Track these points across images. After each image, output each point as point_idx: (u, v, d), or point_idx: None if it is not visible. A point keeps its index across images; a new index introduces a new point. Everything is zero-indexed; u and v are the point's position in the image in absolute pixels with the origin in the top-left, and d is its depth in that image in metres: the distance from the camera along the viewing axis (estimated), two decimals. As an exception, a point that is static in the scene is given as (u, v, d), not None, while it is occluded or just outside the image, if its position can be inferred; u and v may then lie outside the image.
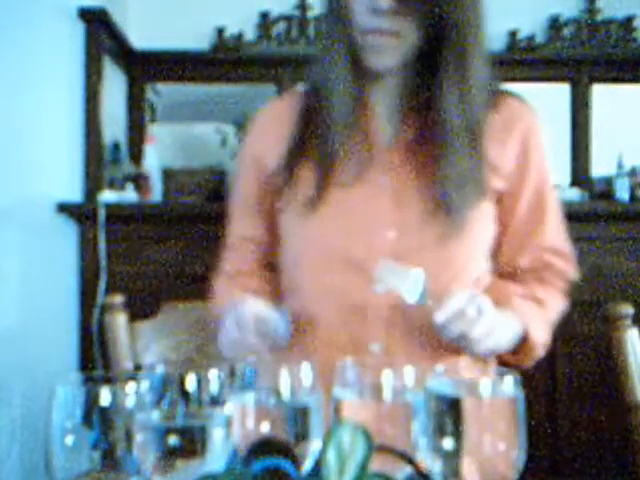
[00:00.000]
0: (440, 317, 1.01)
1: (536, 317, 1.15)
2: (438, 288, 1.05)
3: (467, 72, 1.10)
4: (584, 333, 2.38)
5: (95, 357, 2.23)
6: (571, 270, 1.24)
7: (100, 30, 2.37)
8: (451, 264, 1.12)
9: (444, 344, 1.06)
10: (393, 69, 1.13)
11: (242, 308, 1.06)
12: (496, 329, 1.05)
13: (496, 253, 1.21)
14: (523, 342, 1.13)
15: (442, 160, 1.10)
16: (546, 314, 1.18)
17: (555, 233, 1.22)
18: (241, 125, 2.52)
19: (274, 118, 1.26)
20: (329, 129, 1.13)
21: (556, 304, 1.22)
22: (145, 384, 0.68)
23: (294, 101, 1.23)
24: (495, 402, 0.63)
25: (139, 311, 1.45)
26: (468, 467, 0.62)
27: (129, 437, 0.64)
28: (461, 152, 1.10)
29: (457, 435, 0.62)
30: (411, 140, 1.15)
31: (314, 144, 1.15)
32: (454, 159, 1.10)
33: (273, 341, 1.06)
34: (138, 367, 1.35)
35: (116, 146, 2.53)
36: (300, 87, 1.26)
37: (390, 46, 1.09)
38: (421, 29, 1.08)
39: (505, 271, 1.22)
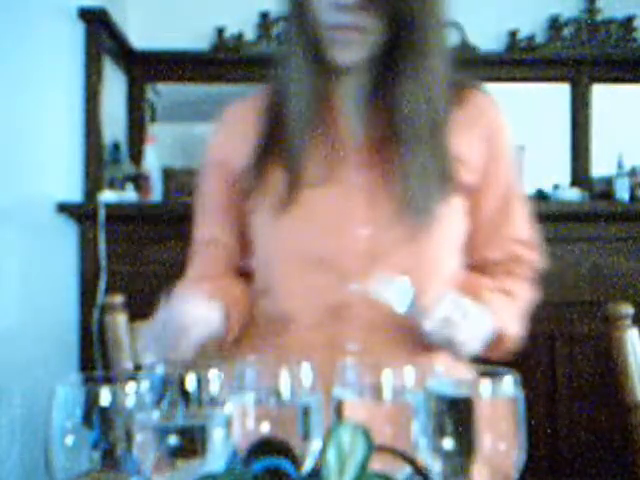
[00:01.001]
0: (427, 325, 1.03)
1: (506, 309, 1.16)
2: (414, 284, 1.05)
3: (424, 67, 1.10)
4: (584, 333, 2.38)
5: (95, 357, 2.23)
6: (538, 259, 1.25)
7: (100, 30, 2.37)
8: (424, 260, 1.12)
9: (425, 344, 1.07)
10: (358, 64, 1.12)
11: (179, 310, 1.05)
12: (479, 330, 1.07)
13: (467, 247, 1.21)
14: (495, 336, 1.13)
15: (407, 157, 1.10)
16: (516, 305, 1.19)
17: (522, 225, 1.23)
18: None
19: (239, 119, 1.24)
20: (292, 128, 1.13)
21: (525, 294, 1.22)
22: (145, 384, 0.68)
23: (259, 101, 1.22)
24: (495, 402, 0.63)
25: (139, 311, 1.45)
26: (476, 468, 0.62)
27: (129, 437, 0.64)
28: (422, 147, 1.10)
29: (457, 435, 0.62)
30: (379, 137, 1.14)
31: (281, 145, 1.14)
32: (415, 155, 1.09)
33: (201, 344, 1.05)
34: (138, 367, 1.35)
35: (116, 146, 2.53)
36: (264, 87, 1.24)
37: (354, 41, 1.09)
38: (385, 24, 1.08)
39: (475, 264, 1.22)
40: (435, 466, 0.63)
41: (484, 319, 1.10)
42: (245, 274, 1.24)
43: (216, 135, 1.28)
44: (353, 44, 1.09)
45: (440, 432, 0.62)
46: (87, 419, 0.65)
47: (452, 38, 1.18)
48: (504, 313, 1.15)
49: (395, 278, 1.04)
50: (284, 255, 1.14)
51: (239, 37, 2.75)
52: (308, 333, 1.12)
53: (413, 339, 1.08)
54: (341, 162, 1.14)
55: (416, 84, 1.10)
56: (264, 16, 2.77)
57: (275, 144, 1.16)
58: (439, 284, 1.12)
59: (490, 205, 1.19)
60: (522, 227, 1.23)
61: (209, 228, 1.25)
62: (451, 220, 1.15)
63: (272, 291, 1.16)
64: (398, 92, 1.10)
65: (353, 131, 1.16)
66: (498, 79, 2.74)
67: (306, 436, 0.66)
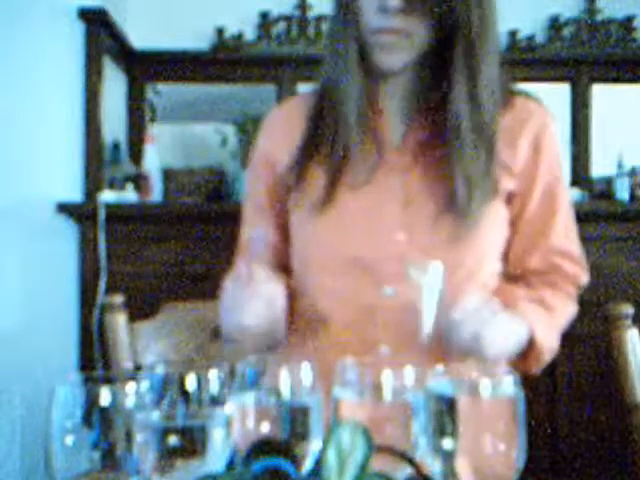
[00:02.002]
0: (457, 314, 1.01)
1: (543, 321, 1.13)
2: (449, 290, 1.05)
3: (477, 71, 1.09)
4: (584, 333, 2.37)
5: (95, 357, 2.23)
6: (581, 274, 1.22)
7: (100, 30, 2.37)
8: (461, 266, 1.10)
9: (452, 350, 1.05)
10: (402, 69, 1.12)
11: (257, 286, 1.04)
12: (506, 333, 1.05)
13: (506, 255, 1.19)
14: (529, 347, 1.11)
15: (452, 160, 1.09)
16: (554, 319, 1.16)
17: (564, 235, 1.20)
18: (241, 125, 2.52)
19: (285, 119, 1.25)
20: (339, 130, 1.13)
21: (565, 309, 1.20)
22: (145, 384, 0.68)
23: (305, 102, 1.22)
24: (495, 402, 0.63)
25: (139, 311, 1.45)
26: (464, 467, 0.62)
27: (129, 437, 0.64)
28: (471, 152, 1.09)
29: (457, 435, 0.62)
30: (421, 141, 1.14)
31: (324, 145, 1.15)
32: (464, 159, 1.09)
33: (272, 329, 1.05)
34: (138, 367, 1.35)
35: (116, 146, 2.53)
36: (311, 88, 1.25)
37: (399, 45, 1.08)
38: (431, 28, 1.07)
39: (514, 273, 1.20)
40: (435, 466, 0.63)
41: (516, 327, 1.08)
42: (288, 272, 1.24)
43: (262, 136, 1.28)
44: (398, 49, 1.09)
45: (440, 432, 0.62)
46: (87, 419, 0.65)
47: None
48: (539, 325, 1.12)
49: (429, 262, 1.03)
50: (319, 255, 1.15)
51: (239, 37, 2.75)
52: (341, 334, 1.12)
53: (445, 346, 1.06)
54: (381, 165, 1.13)
55: (463, 88, 1.09)
56: (264, 16, 2.77)
57: (318, 144, 1.16)
58: (475, 290, 1.11)
59: (531, 213, 1.17)
60: (564, 238, 1.20)
61: (254, 226, 1.25)
62: (491, 226, 1.13)
63: (308, 291, 1.17)
64: (445, 96, 1.09)
65: (395, 134, 1.16)
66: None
67: (306, 436, 0.66)
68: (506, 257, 1.20)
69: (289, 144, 1.18)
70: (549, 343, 1.13)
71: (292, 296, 1.19)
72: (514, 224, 1.18)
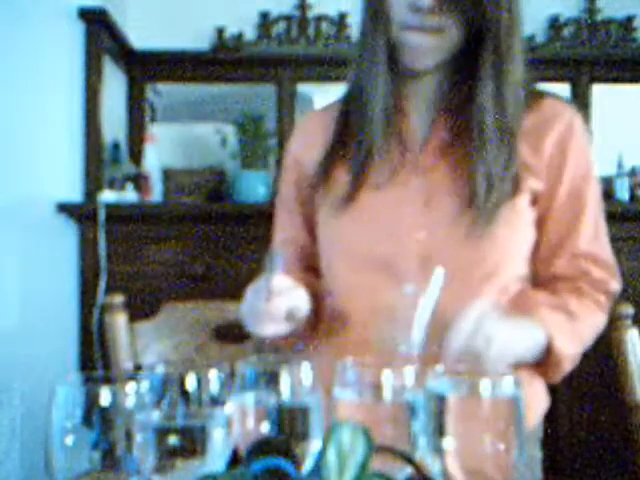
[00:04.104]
0: (447, 361, 0.96)
1: (564, 329, 1.10)
2: (468, 290, 1.04)
3: (504, 70, 1.09)
4: (584, 333, 2.38)
5: (95, 357, 2.23)
6: (610, 281, 1.19)
7: (100, 30, 2.37)
8: (481, 265, 1.09)
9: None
10: (432, 69, 1.12)
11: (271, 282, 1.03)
12: (512, 346, 1.02)
13: (533, 259, 1.17)
14: (547, 355, 1.09)
15: (474, 159, 1.09)
16: (577, 327, 1.13)
17: (592, 239, 1.17)
18: (241, 125, 2.52)
19: (316, 124, 1.26)
20: (364, 129, 1.13)
21: (590, 318, 1.16)
22: (145, 384, 0.68)
23: (334, 111, 1.23)
24: (495, 402, 0.63)
25: (139, 311, 1.45)
26: (462, 467, 0.62)
27: (129, 437, 0.64)
28: (493, 150, 1.09)
29: (457, 435, 0.62)
30: (444, 141, 1.13)
31: (351, 145, 1.15)
32: (485, 157, 1.08)
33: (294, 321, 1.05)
34: (138, 367, 1.35)
35: (116, 146, 2.53)
36: (339, 98, 1.25)
37: (431, 45, 1.08)
38: (461, 27, 1.07)
39: (541, 278, 1.18)
40: (435, 466, 0.63)
41: (531, 333, 1.06)
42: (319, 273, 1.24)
43: (294, 139, 1.30)
44: (430, 48, 1.08)
45: (440, 432, 0.62)
46: (87, 419, 0.65)
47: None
48: (559, 332, 1.09)
49: (436, 271, 1.00)
50: (341, 253, 1.16)
51: (239, 37, 2.75)
52: (363, 333, 1.12)
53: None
54: (404, 164, 1.14)
55: (489, 87, 1.09)
56: (264, 16, 2.77)
57: (344, 144, 1.17)
58: (494, 292, 1.10)
59: (556, 214, 1.15)
60: (593, 241, 1.17)
61: (285, 227, 1.27)
62: (515, 227, 1.12)
63: (332, 290, 1.18)
64: (470, 96, 1.09)
65: (419, 134, 1.16)
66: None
67: (306, 436, 0.66)
68: (533, 261, 1.17)
69: (318, 148, 1.19)
70: (570, 352, 1.11)
71: (321, 296, 1.19)
72: (540, 226, 1.16)
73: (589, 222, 1.17)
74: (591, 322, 1.17)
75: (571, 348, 1.11)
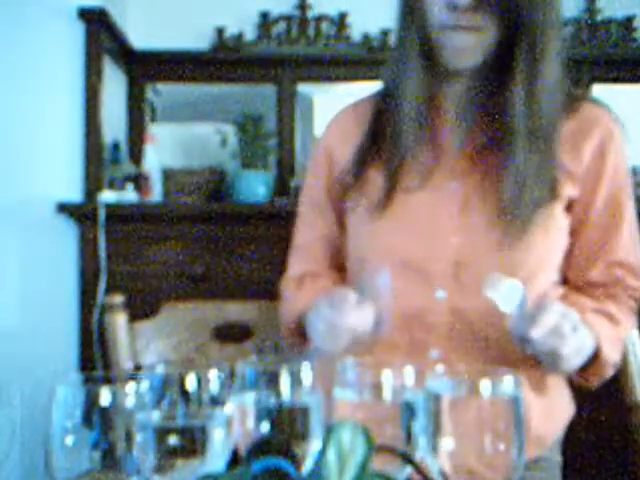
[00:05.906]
0: (536, 332, 0.96)
1: (609, 335, 1.10)
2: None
3: (537, 72, 1.06)
4: (584, 333, 2.37)
5: (95, 357, 2.23)
6: None
7: (100, 30, 2.37)
8: (516, 271, 1.06)
9: (507, 357, 1.04)
10: (469, 69, 1.10)
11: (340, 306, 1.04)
12: (582, 350, 1.03)
13: (566, 266, 1.16)
14: (593, 360, 1.08)
15: (509, 164, 1.07)
16: (619, 333, 1.13)
17: (629, 247, 1.16)
18: (241, 125, 2.52)
19: (348, 120, 1.25)
20: (400, 131, 1.12)
21: (628, 323, 1.16)
22: (145, 384, 0.68)
23: (369, 106, 1.21)
24: (495, 402, 0.63)
25: (139, 311, 1.45)
26: (460, 466, 0.62)
27: (129, 437, 0.64)
28: (524, 154, 1.06)
29: (456, 435, 0.62)
30: (480, 145, 1.12)
31: (384, 146, 1.14)
32: (521, 163, 1.06)
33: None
34: (138, 367, 1.36)
35: (116, 146, 2.53)
36: (374, 92, 1.24)
37: (471, 43, 1.06)
38: (497, 27, 1.05)
39: (574, 285, 1.17)
40: (435, 466, 0.63)
41: (587, 339, 1.05)
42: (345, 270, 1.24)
43: (326, 133, 1.28)
44: (468, 47, 1.07)
45: (440, 432, 0.62)
46: (87, 419, 0.65)
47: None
48: (606, 339, 1.08)
49: (505, 278, 0.99)
50: (374, 256, 1.14)
51: (239, 37, 2.75)
52: (393, 335, 1.10)
53: (495, 352, 1.06)
54: (439, 168, 1.12)
55: (527, 91, 1.06)
56: (264, 16, 2.77)
57: (378, 145, 1.15)
58: (531, 298, 1.08)
59: (593, 221, 1.14)
60: (628, 250, 1.16)
61: (314, 223, 1.25)
62: (550, 233, 1.10)
63: (362, 290, 1.16)
64: (507, 99, 1.07)
65: (454, 137, 1.14)
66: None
67: (306, 436, 0.66)
68: (566, 268, 1.16)
69: (350, 144, 1.18)
70: (613, 358, 1.11)
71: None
72: (575, 233, 1.14)
73: (626, 231, 1.16)
74: (628, 327, 1.17)
75: (615, 354, 1.11)
